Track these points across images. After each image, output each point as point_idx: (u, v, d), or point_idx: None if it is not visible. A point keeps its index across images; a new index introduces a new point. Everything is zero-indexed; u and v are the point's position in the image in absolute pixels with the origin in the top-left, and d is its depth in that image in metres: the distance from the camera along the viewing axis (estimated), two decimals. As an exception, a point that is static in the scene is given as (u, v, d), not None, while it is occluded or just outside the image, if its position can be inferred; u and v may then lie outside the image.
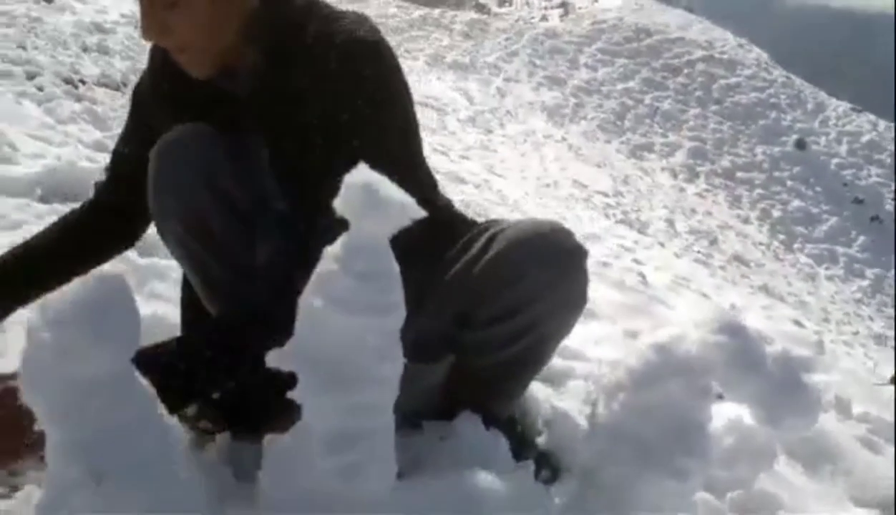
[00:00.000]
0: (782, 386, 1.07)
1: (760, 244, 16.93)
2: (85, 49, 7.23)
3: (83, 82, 6.18)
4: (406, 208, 0.90)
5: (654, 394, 1.06)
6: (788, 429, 1.08)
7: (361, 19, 1.32)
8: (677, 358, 1.05)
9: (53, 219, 2.65)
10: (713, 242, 14.09)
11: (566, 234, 1.39)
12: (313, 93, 1.25)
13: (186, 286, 1.51)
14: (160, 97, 1.40)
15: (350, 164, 0.91)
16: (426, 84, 18.84)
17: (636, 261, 8.27)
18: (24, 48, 6.54)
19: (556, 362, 2.12)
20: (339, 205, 0.91)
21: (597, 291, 4.48)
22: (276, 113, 1.29)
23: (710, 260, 11.89)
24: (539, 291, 1.34)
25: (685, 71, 25.02)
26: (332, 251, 0.94)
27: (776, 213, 19.94)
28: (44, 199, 2.95)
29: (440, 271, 1.44)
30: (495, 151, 14.23)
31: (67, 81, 5.99)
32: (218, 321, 1.33)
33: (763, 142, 22.86)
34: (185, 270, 1.45)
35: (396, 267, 0.96)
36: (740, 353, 1.05)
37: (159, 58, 1.38)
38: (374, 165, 0.91)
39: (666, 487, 1.01)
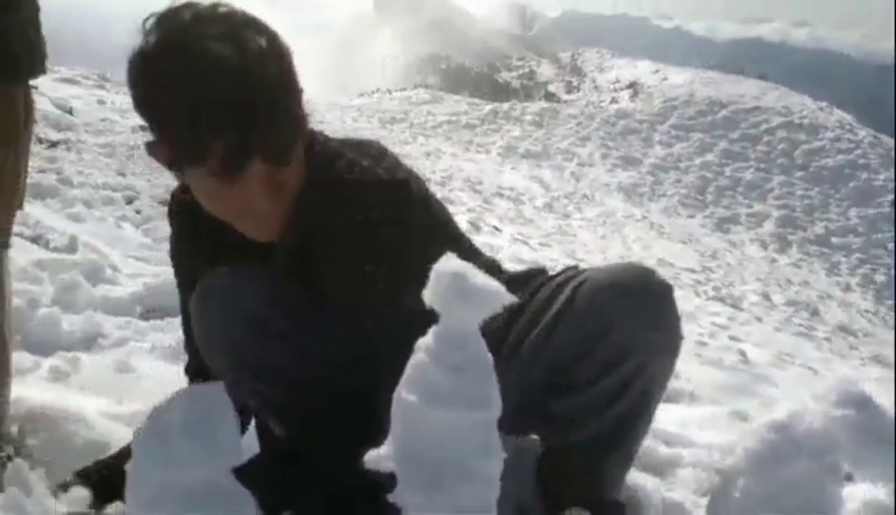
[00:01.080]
0: (921, 461, 0.97)
1: (866, 311, 16.07)
2: (178, 171, 7.66)
3: (177, 202, 6.51)
4: (497, 295, 0.88)
5: (777, 478, 0.97)
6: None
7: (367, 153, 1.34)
8: (799, 436, 0.97)
9: (154, 334, 2.78)
10: (814, 313, 13.44)
11: (648, 273, 1.35)
12: (343, 239, 1.27)
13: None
14: (197, 248, 1.43)
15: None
16: (499, 175, 19.12)
17: (733, 339, 7.94)
18: (122, 175, 7.00)
19: (661, 450, 2.01)
20: (429, 295, 0.89)
21: (696, 372, 4.32)
22: (310, 259, 1.32)
23: (813, 333, 11.30)
24: (635, 337, 1.29)
25: (765, 139, 24.65)
26: (423, 343, 0.92)
27: (879, 278, 18.99)
28: (144, 316, 3.07)
29: (518, 335, 1.41)
30: (575, 236, 14.18)
31: (163, 203, 6.34)
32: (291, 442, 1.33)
33: (856, 204, 22.07)
34: (252, 408, 1.45)
35: (490, 358, 0.93)
36: (867, 427, 0.96)
37: (191, 214, 1.40)
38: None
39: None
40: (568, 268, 1.46)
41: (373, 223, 1.25)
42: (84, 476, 1.45)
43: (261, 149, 1.19)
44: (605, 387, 1.31)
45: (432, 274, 0.89)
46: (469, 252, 1.41)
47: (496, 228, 11.89)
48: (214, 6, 1.20)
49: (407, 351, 0.92)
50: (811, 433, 0.97)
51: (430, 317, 0.90)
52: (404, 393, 0.91)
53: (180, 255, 1.51)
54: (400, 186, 1.30)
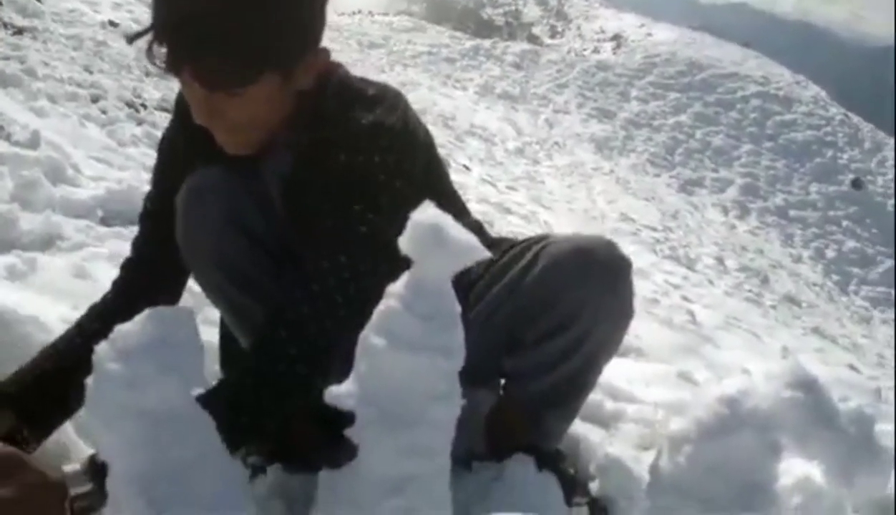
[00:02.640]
0: (856, 445, 1.02)
1: (814, 285, 16.52)
2: (147, 73, 7.45)
3: (144, 106, 6.36)
4: (472, 249, 0.89)
5: (721, 449, 1.02)
6: (860, 489, 1.03)
7: (382, 101, 1.31)
8: (747, 412, 1.01)
9: (114, 241, 2.73)
10: (764, 281, 13.78)
11: (610, 247, 1.39)
12: (332, 172, 1.24)
13: (223, 323, 1.53)
14: (191, 147, 1.38)
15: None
16: (474, 113, 18.95)
17: (685, 299, 8.13)
18: (89, 71, 6.77)
19: (607, 404, 2.07)
20: (404, 243, 0.90)
21: (645, 329, 4.43)
22: (301, 192, 1.29)
23: (761, 300, 11.62)
24: (586, 305, 1.34)
25: (739, 106, 24.77)
26: (394, 289, 0.93)
27: (830, 253, 19.49)
28: (105, 222, 3.03)
29: (481, 291, 1.44)
30: (542, 183, 14.20)
31: (129, 105, 6.18)
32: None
33: (818, 180, 22.44)
34: (222, 312, 1.46)
35: (459, 309, 0.94)
36: (813, 409, 1.01)
37: (187, 110, 1.36)
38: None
39: (730, 547, 0.97)
40: (540, 235, 1.49)
41: (360, 168, 1.23)
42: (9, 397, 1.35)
43: (253, 63, 1.17)
44: (553, 348, 1.38)
45: (409, 222, 0.90)
46: (457, 211, 1.42)
47: (465, 167, 11.84)
48: None
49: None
50: (758, 410, 1.02)
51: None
52: (371, 336, 0.93)
53: (172, 148, 1.46)
54: (397, 137, 1.27)
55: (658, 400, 2.19)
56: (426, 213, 0.88)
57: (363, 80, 1.36)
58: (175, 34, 1.15)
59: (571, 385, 1.43)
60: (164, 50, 1.16)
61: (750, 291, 12.13)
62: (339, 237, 1.20)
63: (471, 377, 1.00)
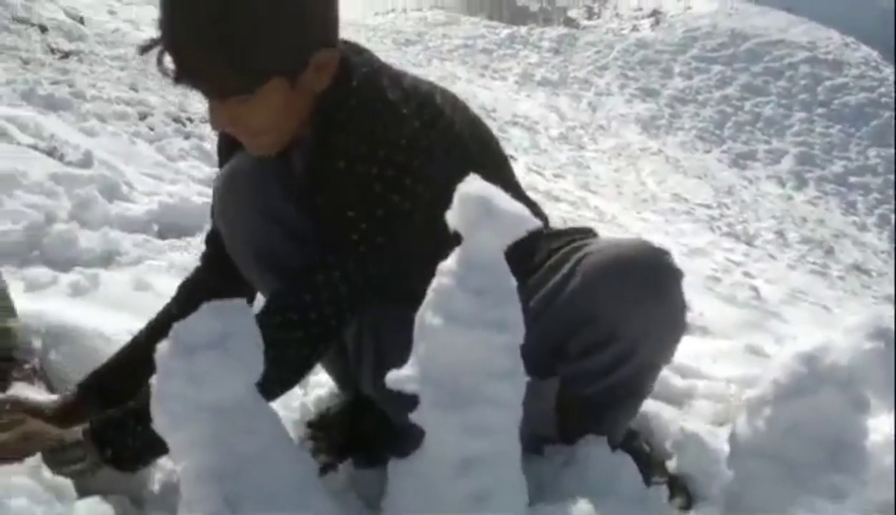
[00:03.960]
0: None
1: (882, 252, 15.95)
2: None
3: (191, 120, 6.47)
4: (522, 219, 0.87)
5: (802, 409, 0.97)
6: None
7: (399, 108, 1.26)
8: (825, 368, 0.96)
9: (170, 253, 2.79)
10: (829, 252, 13.36)
11: (655, 254, 1.30)
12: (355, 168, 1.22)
13: None
14: (231, 143, 1.40)
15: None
16: (515, 103, 18.83)
17: (747, 275, 7.93)
18: (135, 90, 6.92)
19: (676, 380, 2.02)
20: (452, 217, 0.88)
21: (708, 306, 4.33)
22: (309, 191, 1.28)
23: (826, 271, 11.25)
24: (629, 320, 1.26)
25: (787, 74, 24.09)
26: (446, 266, 0.91)
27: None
28: (161, 235, 3.08)
29: (525, 294, 1.39)
30: (589, 168, 14.04)
31: (176, 120, 6.30)
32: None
33: (876, 143, 21.69)
34: (260, 292, 1.47)
35: (513, 282, 0.92)
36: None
37: None
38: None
39: (820, 509, 0.92)
40: (586, 232, 1.44)
41: (357, 178, 1.20)
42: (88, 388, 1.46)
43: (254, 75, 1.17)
44: (598, 362, 1.31)
45: (456, 196, 0.87)
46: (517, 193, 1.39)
47: (511, 157, 11.77)
48: None
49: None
50: (838, 365, 0.97)
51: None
52: (427, 316, 0.91)
53: (221, 146, 1.50)
54: (399, 151, 1.21)
55: (728, 376, 2.13)
56: (473, 185, 0.86)
57: (395, 79, 1.31)
58: (177, 47, 1.16)
59: (625, 390, 1.37)
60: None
61: (814, 263, 11.77)
62: (332, 239, 1.22)
63: (533, 367, 0.98)
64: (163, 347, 0.90)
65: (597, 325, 1.28)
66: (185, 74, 1.18)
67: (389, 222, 1.18)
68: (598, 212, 9.71)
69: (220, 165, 1.50)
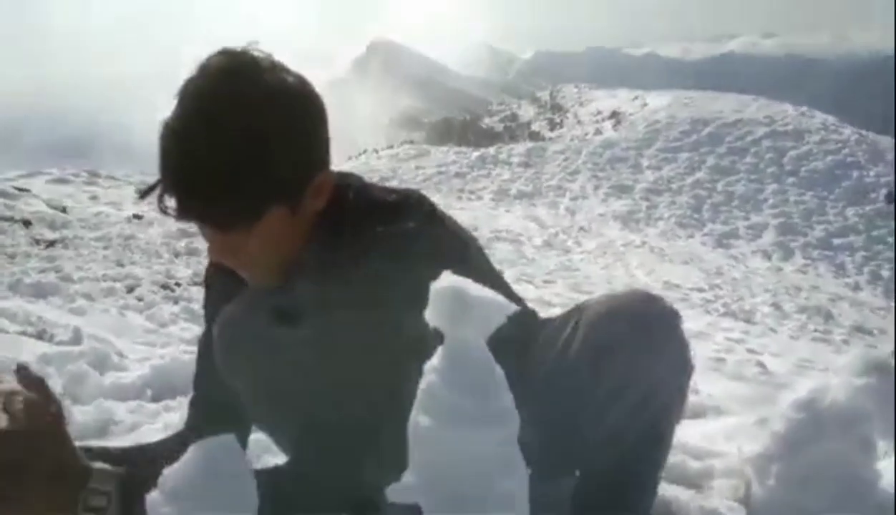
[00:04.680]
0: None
1: (879, 309, 15.94)
2: (176, 254, 7.70)
3: (178, 285, 6.53)
4: (499, 306, 0.87)
5: (809, 458, 0.94)
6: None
7: (403, 207, 1.29)
8: (825, 411, 0.94)
9: (165, 415, 2.74)
10: (828, 317, 13.32)
11: (650, 300, 1.31)
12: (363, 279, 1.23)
13: None
14: (225, 282, 1.40)
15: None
16: (495, 218, 19.20)
17: (751, 351, 7.87)
18: (122, 264, 7.02)
19: (691, 463, 1.97)
20: (430, 314, 0.88)
21: (717, 388, 4.26)
22: (324, 311, 1.26)
23: (829, 337, 11.19)
24: (636, 368, 1.26)
25: (752, 150, 24.81)
26: (431, 365, 0.90)
27: (886, 273, 18.93)
28: (155, 398, 3.04)
29: (527, 371, 1.38)
30: (578, 270, 14.16)
31: (164, 286, 6.35)
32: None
33: (851, 203, 22.14)
34: (262, 430, 1.45)
35: (500, 371, 0.91)
36: (892, 392, 0.94)
37: None
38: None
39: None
40: (577, 306, 1.43)
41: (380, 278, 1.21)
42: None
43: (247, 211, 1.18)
44: (616, 418, 1.29)
45: (432, 294, 0.88)
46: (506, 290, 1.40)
47: (499, 270, 11.86)
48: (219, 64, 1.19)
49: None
50: (836, 406, 0.95)
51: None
52: (419, 417, 0.89)
53: (212, 282, 1.50)
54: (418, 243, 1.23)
55: (743, 450, 2.07)
56: (446, 281, 0.87)
57: (383, 189, 1.35)
58: (178, 187, 1.17)
59: (646, 447, 1.34)
60: (172, 201, 1.19)
61: (816, 330, 11.70)
62: (359, 347, 1.20)
63: (545, 467, 0.95)
64: (151, 498, 0.88)
65: (607, 380, 1.27)
66: (187, 210, 1.18)
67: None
68: (593, 312, 9.68)
69: (208, 303, 1.50)
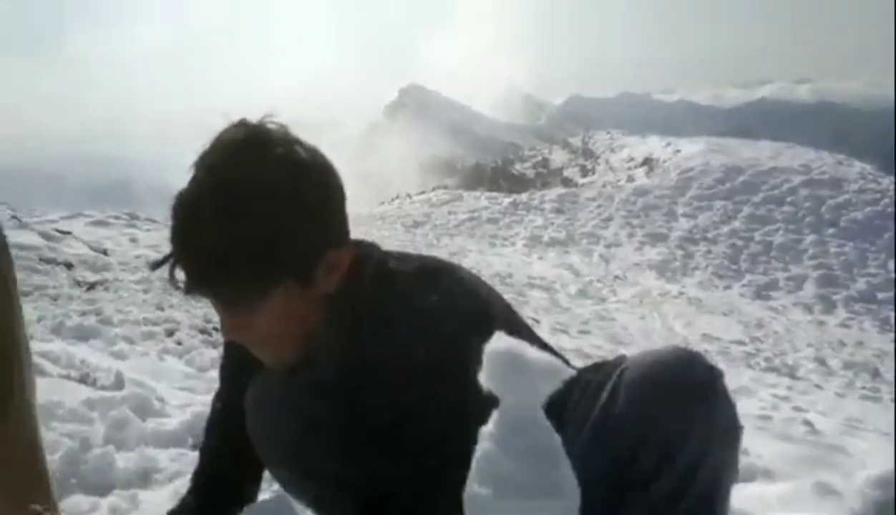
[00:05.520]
0: None
1: (929, 368, 15.47)
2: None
3: (216, 329, 6.59)
4: (555, 369, 0.86)
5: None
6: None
7: (422, 279, 1.28)
8: None
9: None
10: (875, 374, 12.96)
11: (690, 359, 1.24)
12: (399, 371, 1.22)
13: None
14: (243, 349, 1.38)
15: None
16: (528, 266, 19.14)
17: (797, 409, 7.67)
18: (161, 309, 7.11)
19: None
20: (484, 377, 0.87)
21: (765, 448, 4.15)
22: (358, 392, 1.26)
23: (877, 394, 10.86)
24: (683, 432, 1.20)
25: (789, 199, 24.53)
26: (486, 430, 0.89)
27: (933, 328, 18.42)
28: (195, 446, 3.06)
29: (570, 431, 1.34)
30: (614, 319, 14.02)
31: (202, 331, 6.42)
32: None
33: (893, 255, 21.67)
34: (304, 505, 1.42)
35: (558, 439, 0.90)
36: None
37: None
38: None
39: None
40: (615, 360, 1.37)
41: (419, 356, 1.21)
42: None
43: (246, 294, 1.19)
44: (664, 488, 1.22)
45: (486, 356, 0.88)
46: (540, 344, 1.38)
47: (534, 320, 11.81)
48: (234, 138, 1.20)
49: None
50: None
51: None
52: (475, 487, 0.89)
53: (225, 370, 1.51)
54: (460, 343, 1.17)
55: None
56: (501, 343, 0.86)
57: (403, 257, 1.33)
58: (184, 262, 1.18)
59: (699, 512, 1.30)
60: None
61: (863, 388, 11.38)
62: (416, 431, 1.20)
63: None
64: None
65: (652, 445, 1.21)
66: (195, 284, 1.19)
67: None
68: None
69: (224, 367, 1.52)
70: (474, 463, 0.89)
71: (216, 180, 1.16)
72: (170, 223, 1.20)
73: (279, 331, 1.24)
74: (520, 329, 1.39)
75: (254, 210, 1.15)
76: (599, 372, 1.35)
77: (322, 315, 1.26)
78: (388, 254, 1.35)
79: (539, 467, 0.87)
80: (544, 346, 1.38)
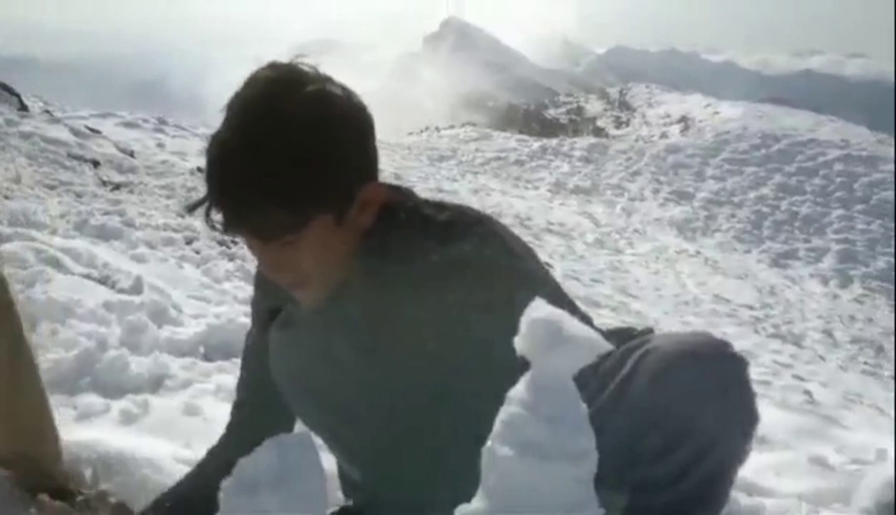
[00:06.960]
0: None
1: (934, 351, 15.43)
2: (235, 212, 7.81)
3: (234, 242, 6.63)
4: (592, 343, 0.85)
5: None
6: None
7: (451, 227, 1.27)
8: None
9: (217, 376, 2.80)
10: (880, 351, 12.96)
11: (717, 347, 1.24)
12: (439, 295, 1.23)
13: None
14: (275, 287, 1.38)
15: None
16: (549, 211, 19.05)
17: (798, 378, 7.72)
18: (182, 216, 7.16)
19: (742, 499, 1.93)
20: (520, 343, 0.86)
21: (762, 413, 4.18)
22: (384, 331, 1.27)
23: (879, 372, 10.90)
24: (698, 419, 1.20)
25: (822, 172, 24.15)
26: (515, 394, 0.89)
27: (947, 313, 18.28)
28: (207, 357, 3.11)
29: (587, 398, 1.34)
30: (627, 272, 14.00)
31: (221, 243, 6.46)
32: None
33: (919, 237, 21.39)
34: (324, 442, 1.44)
35: (585, 408, 0.89)
36: None
37: None
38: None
39: None
40: (643, 332, 1.39)
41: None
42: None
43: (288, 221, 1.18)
44: (670, 466, 1.23)
45: (523, 322, 0.86)
46: (571, 308, 1.36)
47: (547, 264, 11.81)
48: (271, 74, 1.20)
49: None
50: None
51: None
52: (497, 446, 0.88)
53: (260, 285, 1.50)
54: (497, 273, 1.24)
55: (795, 491, 2.02)
56: (541, 311, 0.85)
57: (437, 205, 1.33)
58: (221, 197, 1.18)
59: (696, 504, 1.30)
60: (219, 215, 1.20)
61: (866, 363, 11.42)
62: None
63: (599, 479, 0.93)
64: (226, 485, 0.89)
65: (667, 425, 1.22)
66: (231, 221, 1.19)
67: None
68: (639, 317, 9.61)
69: (255, 305, 1.51)
70: (499, 425, 0.89)
71: (250, 117, 1.17)
72: (206, 161, 1.20)
73: (313, 266, 1.24)
74: (560, 297, 1.38)
75: (287, 144, 1.16)
76: (624, 345, 1.33)
77: (355, 253, 1.26)
78: (424, 200, 1.34)
79: (563, 433, 0.86)
80: (583, 318, 1.37)
